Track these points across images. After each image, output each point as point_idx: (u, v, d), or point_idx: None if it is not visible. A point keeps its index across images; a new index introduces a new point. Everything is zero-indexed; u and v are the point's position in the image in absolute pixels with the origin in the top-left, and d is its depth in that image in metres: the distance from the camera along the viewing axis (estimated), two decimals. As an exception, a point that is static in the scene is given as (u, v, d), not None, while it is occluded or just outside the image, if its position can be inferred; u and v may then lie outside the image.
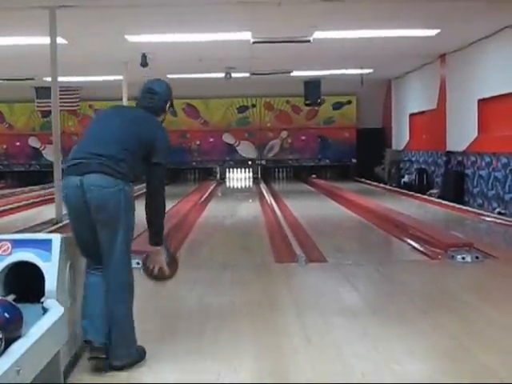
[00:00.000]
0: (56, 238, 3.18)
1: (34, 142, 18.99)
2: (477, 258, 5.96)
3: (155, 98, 3.57)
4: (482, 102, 11.67)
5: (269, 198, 12.24)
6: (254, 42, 10.80)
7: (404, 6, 8.60)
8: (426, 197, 12.86)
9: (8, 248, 3.10)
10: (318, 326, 4.01)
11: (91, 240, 3.25)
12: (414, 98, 16.14)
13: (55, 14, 8.26)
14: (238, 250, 7.40)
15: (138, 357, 3.32)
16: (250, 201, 13.38)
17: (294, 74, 15.64)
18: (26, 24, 9.23)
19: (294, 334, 3.84)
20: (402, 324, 4.04)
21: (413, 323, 4.05)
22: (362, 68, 14.82)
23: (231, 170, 19.37)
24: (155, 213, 3.42)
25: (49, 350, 2.80)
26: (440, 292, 5.05)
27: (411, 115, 16.49)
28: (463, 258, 5.94)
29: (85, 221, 3.22)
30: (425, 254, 6.63)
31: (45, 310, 2.94)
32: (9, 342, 2.47)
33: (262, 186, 15.60)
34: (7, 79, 15.39)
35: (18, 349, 2.47)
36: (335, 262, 6.17)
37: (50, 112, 11.27)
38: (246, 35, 10.36)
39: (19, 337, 2.58)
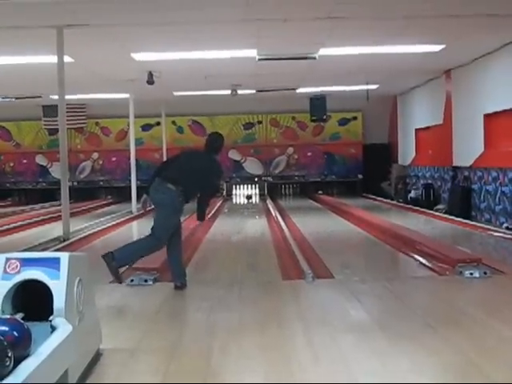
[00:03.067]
0: (64, 256, 3.19)
1: (41, 160, 19.10)
2: (485, 273, 5.90)
3: None
4: (488, 117, 11.68)
5: (275, 215, 12.24)
6: (259, 59, 10.84)
7: (409, 22, 8.64)
8: (432, 212, 12.81)
9: (17, 266, 3.12)
10: (326, 342, 3.99)
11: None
12: (420, 114, 16.17)
13: (63, 33, 8.35)
14: (245, 267, 7.40)
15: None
16: (257, 217, 13.38)
17: (300, 90, 15.71)
18: (33, 43, 9.33)
19: (302, 350, 3.83)
20: (410, 340, 4.02)
21: (421, 339, 4.02)
22: (367, 84, 14.87)
23: (237, 186, 19.40)
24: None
25: (57, 368, 2.80)
26: (448, 308, 5.02)
27: (417, 130, 16.51)
28: (471, 274, 5.89)
29: None
30: (433, 269, 6.60)
31: (53, 329, 2.95)
32: (18, 361, 2.48)
33: (269, 203, 15.61)
34: (15, 98, 15.51)
35: (26, 367, 2.47)
36: (342, 279, 6.16)
37: (56, 130, 11.38)
38: (252, 52, 10.42)
39: (28, 355, 2.59)
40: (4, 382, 2.34)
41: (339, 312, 4.88)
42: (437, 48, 10.63)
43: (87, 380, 3.30)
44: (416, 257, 7.37)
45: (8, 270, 3.09)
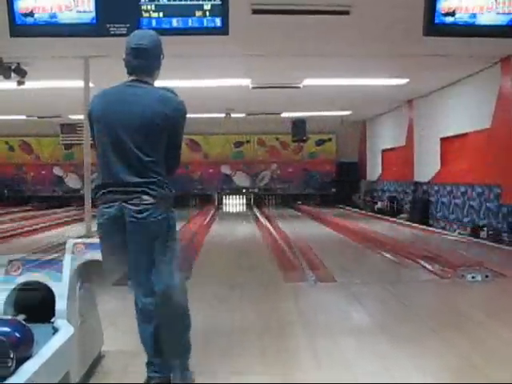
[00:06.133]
0: (67, 259, 2.83)
1: (57, 171, 18.70)
2: (486, 276, 5.41)
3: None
4: (444, 140, 11.70)
5: (264, 222, 12.05)
6: (253, 88, 10.70)
7: (379, 60, 8.59)
8: (396, 220, 12.79)
9: (19, 268, 2.76)
10: (328, 345, 3.52)
11: None
12: (386, 136, 16.02)
13: (89, 63, 8.03)
14: (245, 269, 6.63)
15: None
16: (244, 223, 13.08)
17: (284, 114, 15.52)
18: (59, 70, 8.99)
19: (304, 353, 3.38)
20: (412, 343, 3.55)
21: (423, 342, 3.56)
22: (341, 110, 14.73)
23: (227, 196, 19.07)
24: None
25: (59, 369, 2.43)
26: (450, 311, 4.50)
27: (383, 151, 16.35)
28: (473, 277, 5.38)
29: None
30: (434, 273, 5.92)
31: (55, 330, 2.57)
32: (20, 362, 2.14)
33: (256, 211, 15.30)
34: (37, 116, 15.15)
35: (28, 368, 2.14)
36: (344, 281, 5.49)
37: (71, 145, 11.03)
38: (246, 82, 10.31)
39: (30, 357, 2.24)
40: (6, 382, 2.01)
41: (341, 314, 4.37)
42: (402, 81, 10.61)
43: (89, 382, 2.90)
44: (419, 260, 6.55)
45: (11, 272, 2.74)
